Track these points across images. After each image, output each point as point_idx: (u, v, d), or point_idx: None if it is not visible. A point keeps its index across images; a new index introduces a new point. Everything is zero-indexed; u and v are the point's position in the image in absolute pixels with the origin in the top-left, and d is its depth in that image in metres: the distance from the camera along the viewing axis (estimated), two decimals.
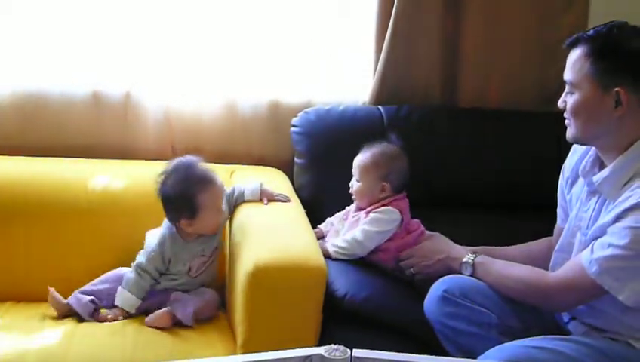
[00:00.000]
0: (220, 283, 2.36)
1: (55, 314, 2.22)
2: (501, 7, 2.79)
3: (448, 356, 1.95)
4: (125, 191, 2.46)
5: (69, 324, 2.17)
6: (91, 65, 2.69)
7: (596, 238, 1.88)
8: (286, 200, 2.44)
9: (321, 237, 2.42)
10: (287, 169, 2.72)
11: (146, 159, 2.65)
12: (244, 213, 2.34)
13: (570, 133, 1.96)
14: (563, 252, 2.07)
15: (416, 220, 2.37)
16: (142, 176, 2.48)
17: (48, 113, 2.66)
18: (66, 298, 2.23)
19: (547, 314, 2.07)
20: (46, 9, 2.64)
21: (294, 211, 2.41)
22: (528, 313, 2.01)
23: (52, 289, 2.22)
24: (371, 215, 2.30)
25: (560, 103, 1.96)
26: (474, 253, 2.14)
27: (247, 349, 2.02)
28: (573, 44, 1.92)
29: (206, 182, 2.24)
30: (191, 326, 2.16)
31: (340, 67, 2.85)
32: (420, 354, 1.47)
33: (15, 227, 2.38)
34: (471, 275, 2.09)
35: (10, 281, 2.36)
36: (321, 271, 2.06)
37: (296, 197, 2.53)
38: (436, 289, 2.05)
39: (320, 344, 1.87)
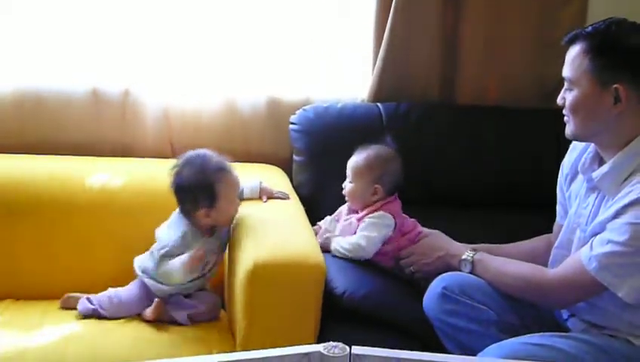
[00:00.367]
0: (218, 282, 2.36)
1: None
2: (500, 5, 2.78)
3: (448, 353, 1.95)
4: (124, 189, 2.46)
5: (68, 322, 2.16)
6: (90, 63, 2.69)
7: (595, 235, 1.88)
8: (285, 197, 2.44)
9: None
10: (286, 166, 2.72)
11: (145, 157, 2.64)
12: (243, 210, 2.33)
13: (569, 129, 1.96)
14: (562, 249, 2.07)
15: (412, 220, 2.34)
16: (141, 174, 2.49)
17: (47, 111, 2.66)
18: (60, 296, 2.23)
19: (546, 311, 2.07)
20: (45, 7, 2.64)
21: (293, 209, 2.41)
22: (527, 310, 2.01)
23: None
24: (367, 220, 2.28)
25: (559, 100, 1.96)
26: (473, 250, 2.14)
27: (246, 346, 2.02)
28: (571, 41, 1.92)
29: (224, 170, 2.23)
30: (189, 325, 2.17)
31: (338, 65, 2.84)
32: (419, 351, 1.47)
33: (14, 224, 2.38)
34: (470, 272, 2.09)
35: (10, 279, 2.36)
36: (321, 269, 2.06)
37: (295, 195, 2.53)
38: (435, 286, 2.05)
39: (319, 341, 1.86)
